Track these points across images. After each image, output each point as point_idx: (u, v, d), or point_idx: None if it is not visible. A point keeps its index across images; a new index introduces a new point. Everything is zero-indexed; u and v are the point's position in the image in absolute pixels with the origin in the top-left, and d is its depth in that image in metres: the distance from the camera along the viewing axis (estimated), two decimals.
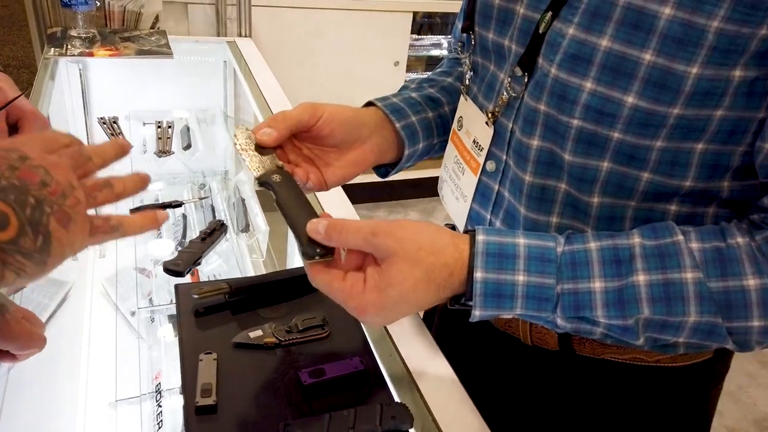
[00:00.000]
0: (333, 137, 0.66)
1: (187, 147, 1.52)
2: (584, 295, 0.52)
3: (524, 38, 0.58)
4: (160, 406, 0.92)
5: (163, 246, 1.42)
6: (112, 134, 1.44)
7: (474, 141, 0.68)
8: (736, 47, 0.47)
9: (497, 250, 0.52)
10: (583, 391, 0.70)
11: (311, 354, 0.70)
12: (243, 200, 1.26)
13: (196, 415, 0.61)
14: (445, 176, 0.77)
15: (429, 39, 3.19)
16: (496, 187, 0.66)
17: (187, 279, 0.99)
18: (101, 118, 1.48)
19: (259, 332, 0.72)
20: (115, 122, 1.48)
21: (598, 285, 0.52)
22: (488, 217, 0.67)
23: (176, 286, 0.79)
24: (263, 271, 1.24)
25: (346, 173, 0.68)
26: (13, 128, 0.73)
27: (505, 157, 0.64)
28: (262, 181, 0.60)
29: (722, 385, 0.73)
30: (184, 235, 1.20)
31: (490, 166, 0.66)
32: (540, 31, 0.56)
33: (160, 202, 1.12)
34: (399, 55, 2.82)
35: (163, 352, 1.07)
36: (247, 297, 0.77)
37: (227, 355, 0.68)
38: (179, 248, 1.13)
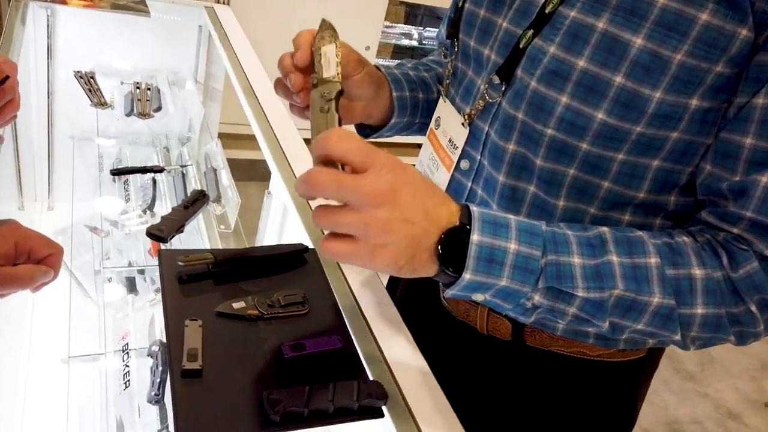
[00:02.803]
0: (359, 90, 0.72)
1: (158, 109, 1.50)
2: (566, 266, 0.55)
3: (504, 50, 0.64)
4: (128, 366, 0.93)
5: (111, 204, 1.40)
6: (90, 89, 1.40)
7: (450, 140, 0.73)
8: (694, 79, 0.54)
9: (492, 218, 0.54)
10: (530, 380, 0.77)
11: (292, 329, 0.74)
12: (215, 170, 1.27)
13: (181, 378, 0.64)
14: (420, 169, 0.82)
15: (400, 28, 3.22)
16: (469, 184, 0.71)
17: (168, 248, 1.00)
18: (78, 72, 1.44)
19: (242, 303, 0.75)
20: (92, 77, 1.44)
21: (577, 260, 0.56)
22: None
23: (160, 252, 0.80)
24: (227, 245, 1.26)
25: (345, 118, 0.73)
26: None
27: (479, 157, 0.69)
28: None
29: (650, 382, 0.82)
30: (153, 201, 1.20)
31: (464, 164, 0.71)
32: (520, 46, 0.62)
33: (143, 165, 1.11)
34: (371, 40, 2.84)
35: (131, 313, 1.07)
36: (229, 269, 0.79)
37: (211, 324, 0.71)
38: (148, 212, 1.13)
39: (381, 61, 3.25)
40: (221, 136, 2.31)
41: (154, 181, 1.23)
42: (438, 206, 0.53)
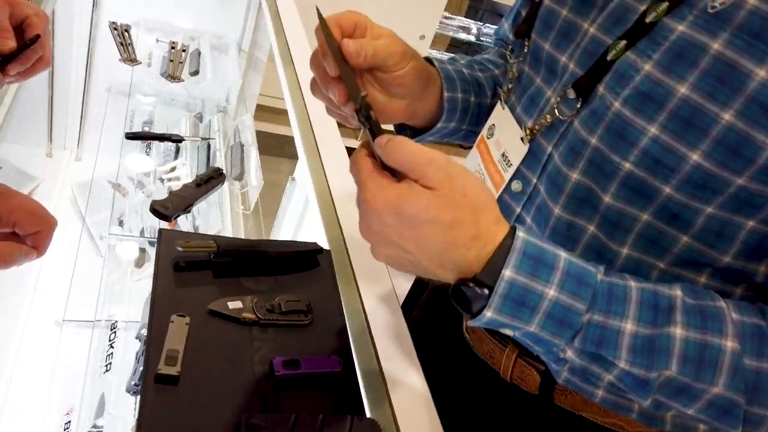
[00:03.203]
0: (400, 88, 0.62)
1: (195, 73, 1.43)
2: (612, 332, 0.47)
3: (586, 60, 0.54)
4: (112, 347, 0.87)
5: (144, 163, 1.35)
6: (122, 43, 1.34)
7: (503, 155, 0.63)
8: None
9: (536, 253, 0.47)
10: None
11: (288, 341, 0.66)
12: (242, 146, 1.19)
13: (155, 382, 0.56)
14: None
15: (459, 20, 3.10)
16: (518, 209, 0.61)
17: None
18: (113, 23, 1.37)
19: (238, 304, 0.67)
20: (126, 30, 1.37)
21: (629, 326, 0.47)
22: None
23: (160, 231, 0.73)
24: (244, 225, 1.19)
25: (382, 117, 0.62)
26: (19, 28, 0.68)
27: (535, 181, 0.59)
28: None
29: None
30: (172, 169, 1.13)
31: (516, 186, 0.61)
32: (608, 58, 0.51)
33: (161, 133, 1.04)
34: (426, 30, 2.73)
35: (129, 284, 1.01)
36: (232, 261, 0.72)
37: (200, 322, 0.63)
38: (170, 188, 1.06)
39: (435, 53, 3.13)
40: (262, 108, 2.24)
41: (177, 149, 1.16)
42: (462, 250, 0.46)
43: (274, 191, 1.34)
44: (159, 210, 0.79)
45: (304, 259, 0.77)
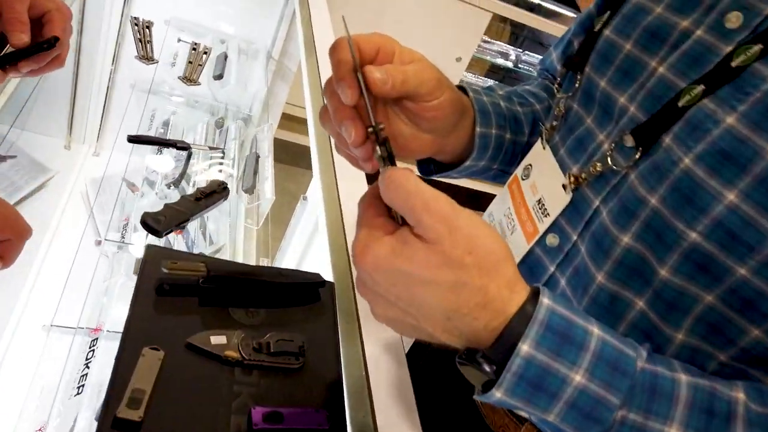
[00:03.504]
0: (432, 122, 0.52)
1: (219, 77, 1.38)
2: None
3: (652, 104, 0.46)
4: (88, 367, 0.79)
5: (163, 162, 1.29)
6: (140, 39, 1.29)
7: (539, 201, 0.54)
8: None
9: (563, 328, 0.38)
10: None
11: (274, 387, 0.58)
12: (257, 157, 1.12)
13: (111, 428, 0.48)
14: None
15: (498, 45, 3.03)
16: (551, 268, 0.53)
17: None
18: (135, 19, 1.33)
19: (222, 339, 0.59)
20: (148, 27, 1.32)
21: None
22: None
23: (147, 248, 0.66)
24: (249, 241, 1.12)
25: (404, 151, 0.53)
26: (39, 21, 0.65)
27: (575, 238, 0.51)
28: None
29: None
30: (180, 176, 1.06)
31: (552, 240, 0.53)
32: (679, 104, 0.43)
33: (165, 139, 0.98)
34: (464, 52, 2.66)
35: (116, 291, 0.94)
36: (222, 288, 0.64)
37: (176, 357, 0.56)
38: (172, 187, 0.99)
39: (471, 77, 3.06)
40: (288, 117, 2.19)
41: (189, 155, 1.10)
42: (467, 319, 0.38)
43: (291, 203, 1.27)
44: (150, 224, 0.72)
45: (304, 292, 0.69)
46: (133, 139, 0.91)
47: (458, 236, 0.37)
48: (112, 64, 1.67)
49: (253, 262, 1.08)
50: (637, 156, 0.45)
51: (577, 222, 0.50)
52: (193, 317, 0.61)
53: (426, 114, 0.51)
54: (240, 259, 1.10)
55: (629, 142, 0.46)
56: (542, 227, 0.52)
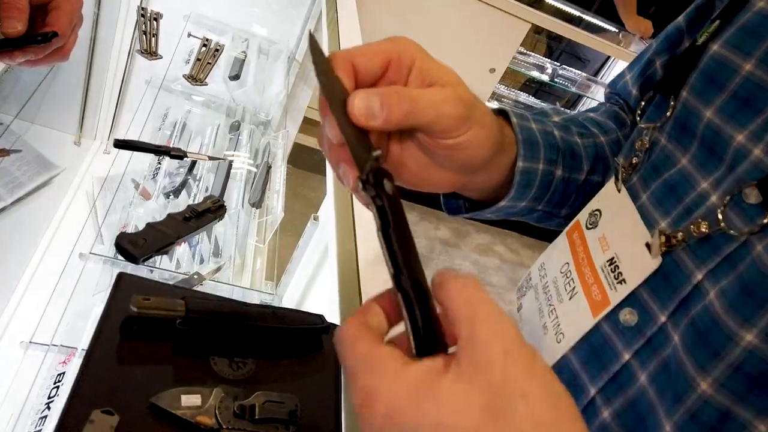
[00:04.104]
0: (448, 161, 0.40)
1: (235, 78, 1.28)
2: None
3: None
4: (49, 406, 0.69)
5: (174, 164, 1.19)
6: (145, 32, 1.20)
7: (611, 261, 0.42)
8: None
9: None
10: None
11: None
12: (269, 168, 1.02)
13: None
14: (536, 279, 0.51)
15: (534, 58, 2.90)
16: (627, 356, 0.40)
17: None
18: (142, 9, 1.23)
19: (196, 399, 0.48)
20: (156, 19, 1.23)
21: None
22: (591, 390, 0.42)
23: (119, 277, 0.55)
24: (252, 261, 1.01)
25: (417, 182, 0.42)
26: (42, 8, 0.59)
27: (663, 320, 0.38)
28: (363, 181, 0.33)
29: None
30: (180, 186, 0.96)
31: (628, 317, 0.40)
32: None
33: (157, 145, 0.88)
34: (498, 63, 2.54)
35: (92, 319, 0.84)
36: (203, 331, 0.53)
37: (134, 424, 0.45)
38: (171, 197, 0.89)
39: (503, 90, 2.93)
40: (310, 122, 2.09)
41: (193, 162, 1.00)
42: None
43: (306, 213, 1.16)
44: (126, 248, 0.62)
45: (303, 339, 0.58)
46: (121, 144, 0.81)
47: (512, 389, 0.25)
48: (128, 58, 1.59)
49: (257, 285, 0.98)
50: (765, 220, 0.33)
51: (668, 299, 0.38)
52: (164, 368, 0.50)
53: (441, 152, 0.38)
54: (243, 281, 1.00)
55: (753, 197, 0.33)
56: (615, 298, 0.39)
